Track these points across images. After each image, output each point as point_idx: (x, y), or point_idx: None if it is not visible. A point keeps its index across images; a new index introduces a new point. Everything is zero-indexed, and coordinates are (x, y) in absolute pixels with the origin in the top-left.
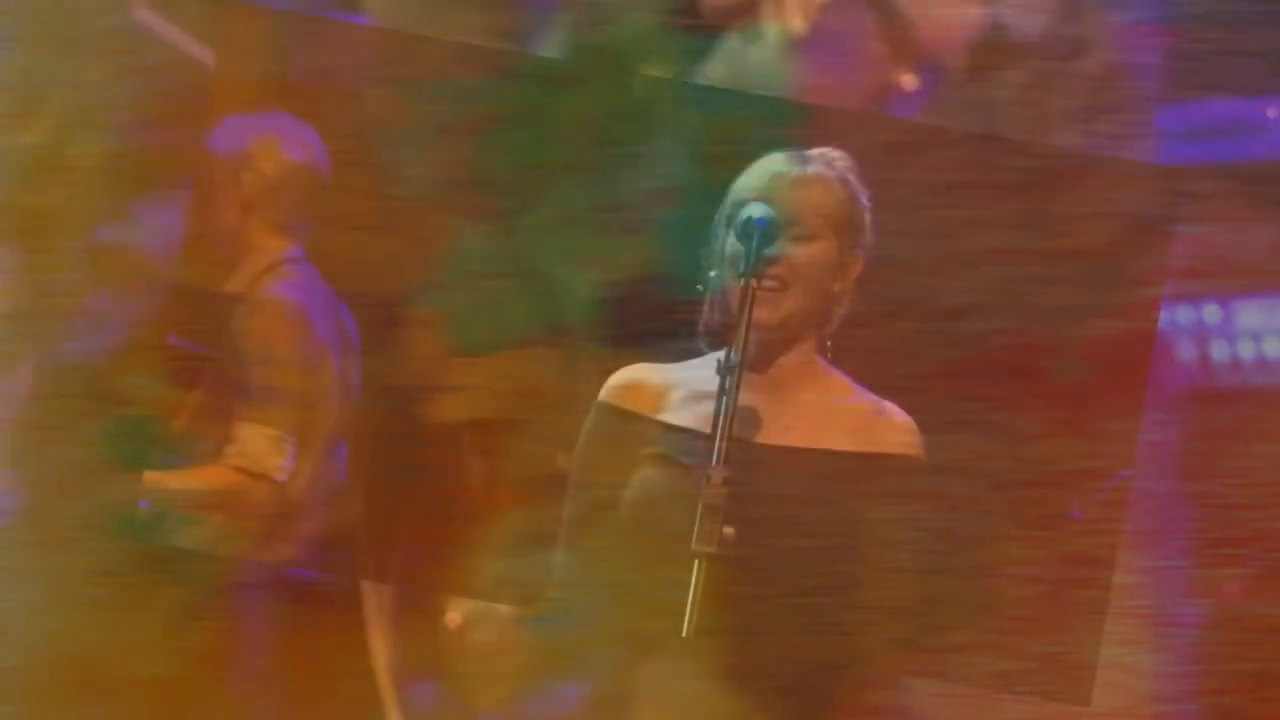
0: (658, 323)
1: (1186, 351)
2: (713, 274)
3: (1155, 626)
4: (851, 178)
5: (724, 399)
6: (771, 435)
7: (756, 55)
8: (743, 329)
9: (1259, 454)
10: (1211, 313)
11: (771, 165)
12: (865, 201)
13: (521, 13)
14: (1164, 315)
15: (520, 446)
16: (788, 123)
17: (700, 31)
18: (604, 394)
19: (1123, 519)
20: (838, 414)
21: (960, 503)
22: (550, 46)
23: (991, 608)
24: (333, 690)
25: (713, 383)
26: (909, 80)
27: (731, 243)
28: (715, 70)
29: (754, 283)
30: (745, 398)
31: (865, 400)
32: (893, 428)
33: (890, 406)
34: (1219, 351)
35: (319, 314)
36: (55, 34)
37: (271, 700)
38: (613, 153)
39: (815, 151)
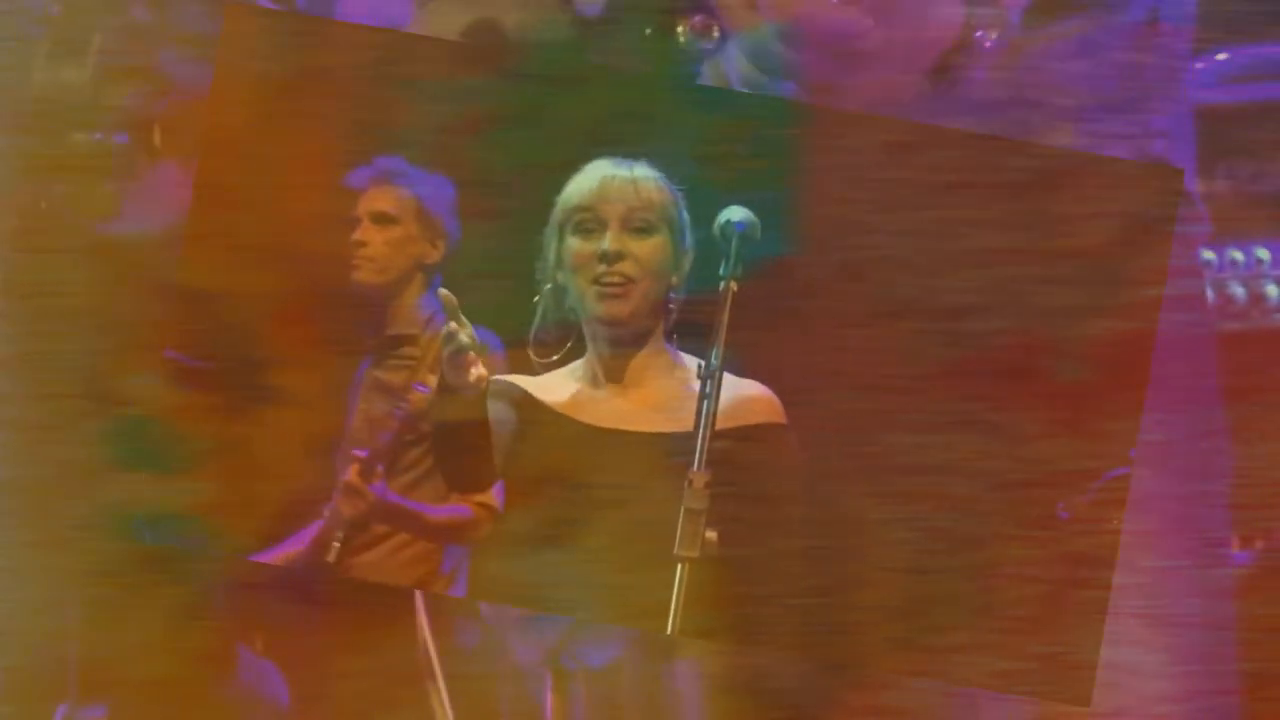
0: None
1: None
2: (547, 287)
3: (1155, 626)
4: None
5: (704, 402)
6: (642, 425)
7: (757, 55)
8: (721, 333)
9: (1259, 454)
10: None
11: (602, 169)
12: (678, 193)
13: (522, 12)
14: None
15: (520, 446)
16: (788, 123)
17: (701, 31)
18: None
19: (1120, 518)
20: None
21: (960, 503)
22: (549, 46)
23: (991, 608)
24: (334, 690)
25: (565, 390)
26: (911, 80)
27: (570, 247)
28: (717, 69)
29: (732, 285)
30: (607, 394)
31: (724, 380)
32: (755, 401)
33: (748, 382)
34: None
35: None
36: (55, 33)
37: (272, 700)
38: (613, 153)
39: (614, 157)
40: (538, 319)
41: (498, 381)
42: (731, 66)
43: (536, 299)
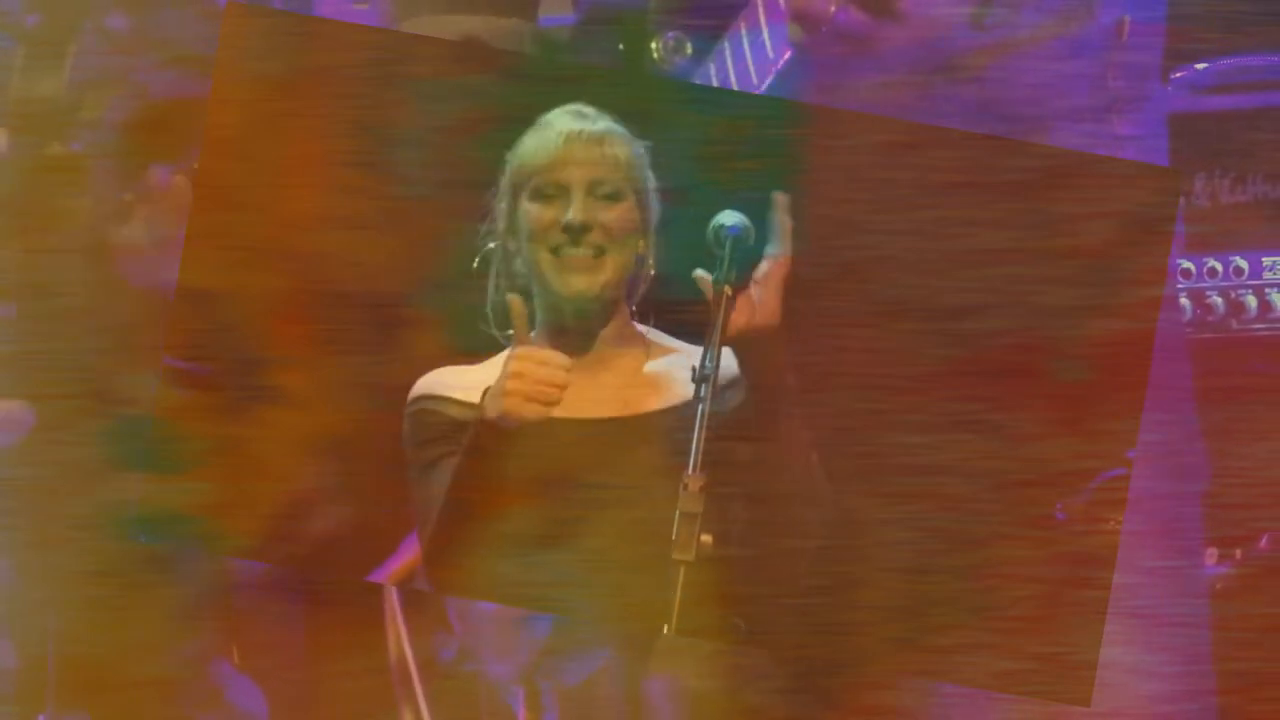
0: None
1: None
2: (491, 246)
3: (1155, 626)
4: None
5: (699, 405)
6: (610, 409)
7: (757, 55)
8: (717, 336)
9: (1259, 454)
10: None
11: (563, 124)
12: (642, 151)
13: (521, 13)
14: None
15: (520, 446)
16: (786, 122)
17: (701, 31)
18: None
19: (1119, 518)
20: (669, 377)
21: (960, 503)
22: (548, 46)
23: (991, 608)
24: (336, 690)
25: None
26: (911, 80)
27: (528, 213)
28: (715, 70)
29: (728, 291)
30: (575, 377)
31: (692, 357)
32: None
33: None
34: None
35: None
36: (54, 34)
37: (273, 700)
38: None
39: (573, 107)
40: (492, 288)
41: (419, 400)
42: (732, 66)
43: (477, 263)
